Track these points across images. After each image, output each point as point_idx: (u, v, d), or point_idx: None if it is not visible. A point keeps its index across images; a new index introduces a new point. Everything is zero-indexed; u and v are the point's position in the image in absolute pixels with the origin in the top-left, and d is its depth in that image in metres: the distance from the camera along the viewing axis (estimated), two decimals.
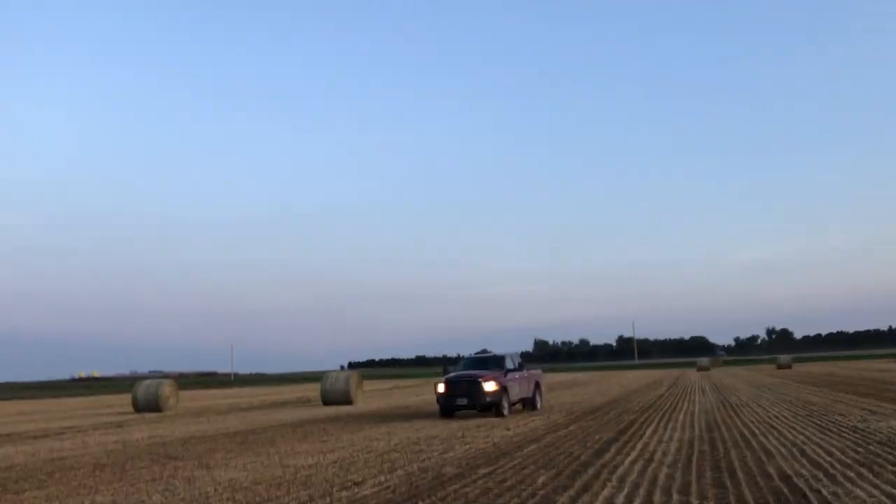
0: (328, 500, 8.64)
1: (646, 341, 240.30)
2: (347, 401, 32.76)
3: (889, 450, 10.95)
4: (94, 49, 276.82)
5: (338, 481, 10.04)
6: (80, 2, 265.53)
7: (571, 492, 8.55)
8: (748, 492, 8.12)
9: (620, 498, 8.06)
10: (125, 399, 46.51)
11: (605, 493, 8.39)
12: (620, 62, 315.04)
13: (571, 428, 17.06)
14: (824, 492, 7.92)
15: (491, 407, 21.25)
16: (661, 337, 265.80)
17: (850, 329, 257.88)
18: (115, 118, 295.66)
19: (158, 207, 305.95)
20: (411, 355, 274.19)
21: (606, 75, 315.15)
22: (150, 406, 33.86)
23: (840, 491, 7.92)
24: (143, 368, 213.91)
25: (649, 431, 15.60)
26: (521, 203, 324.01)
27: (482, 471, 10.57)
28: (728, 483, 8.78)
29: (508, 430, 17.04)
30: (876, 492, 7.81)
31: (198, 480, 10.69)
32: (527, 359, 25.98)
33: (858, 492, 7.84)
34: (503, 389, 21.48)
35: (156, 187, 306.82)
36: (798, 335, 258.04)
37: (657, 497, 8.04)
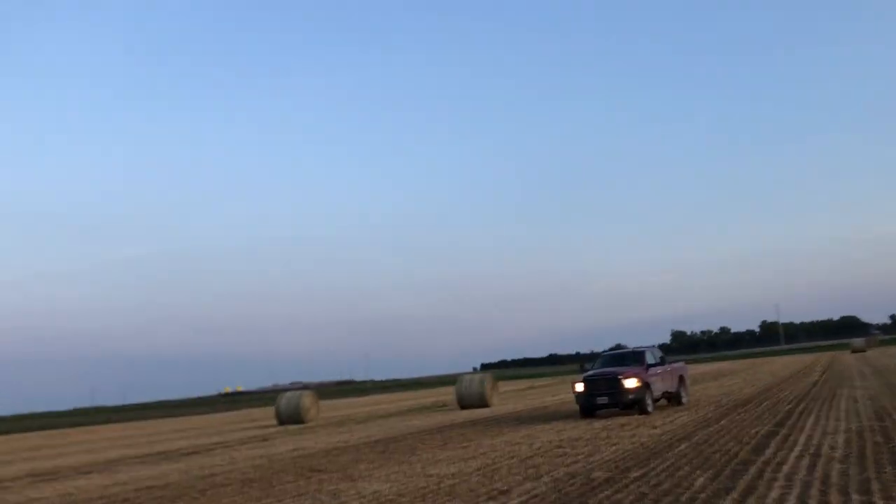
0: None
1: (791, 325, 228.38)
2: (483, 403, 32.57)
3: None
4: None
5: (483, 490, 9.75)
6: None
7: (735, 494, 7.89)
8: None
9: (791, 499, 7.35)
10: (268, 412, 48.25)
11: (774, 494, 7.69)
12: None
13: (723, 422, 16.12)
14: None
15: (634, 404, 20.45)
16: (808, 319, 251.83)
17: None
18: (240, 144, 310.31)
19: (288, 225, 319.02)
20: (543, 354, 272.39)
21: (737, 47, 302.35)
22: (292, 418, 34.84)
23: None
24: (283, 380, 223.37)
25: (810, 422, 14.49)
26: (650, 189, 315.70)
27: (633, 474, 10.01)
28: None
29: (655, 427, 16.29)
30: None
31: (343, 494, 10.66)
32: (665, 351, 24.91)
33: None
34: (646, 385, 20.64)
35: (283, 204, 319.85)
36: None
37: (834, 497, 7.28)
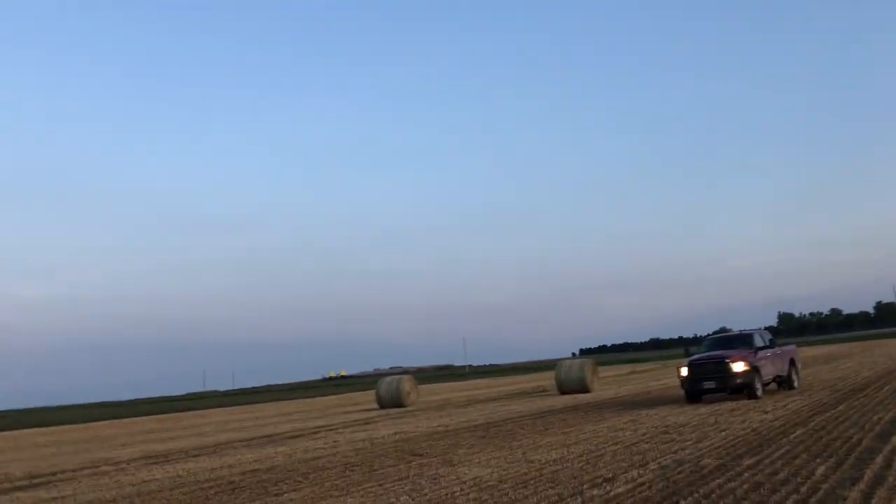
0: (579, 499, 8.08)
1: None
2: (584, 388, 32.08)
3: None
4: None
5: (587, 477, 9.46)
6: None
7: (862, 485, 7.35)
8: None
9: None
10: (370, 396, 49.07)
11: None
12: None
13: (840, 408, 15.24)
14: None
15: (742, 389, 19.64)
16: None
17: None
18: (338, 140, 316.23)
19: (391, 214, 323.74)
20: (644, 339, 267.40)
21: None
22: (392, 402, 35.26)
23: None
24: (384, 365, 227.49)
25: None
26: (756, 168, 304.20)
27: (746, 462, 9.51)
28: None
29: (766, 412, 15.56)
30: None
31: (443, 479, 10.57)
32: (772, 334, 23.80)
33: None
34: (754, 369, 19.78)
35: (379, 196, 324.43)
36: None
37: None
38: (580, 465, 10.66)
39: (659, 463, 10.07)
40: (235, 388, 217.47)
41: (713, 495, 7.56)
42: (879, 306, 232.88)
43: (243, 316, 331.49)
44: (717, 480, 8.34)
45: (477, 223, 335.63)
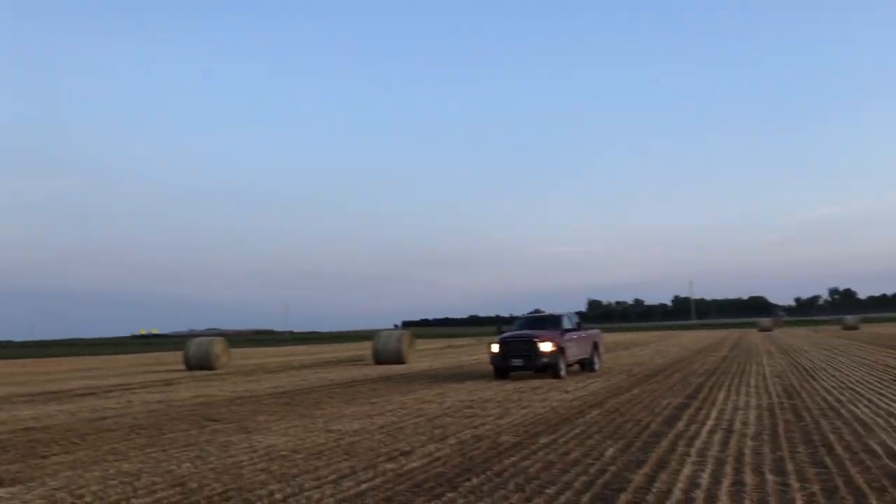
0: (371, 473, 7.76)
1: (703, 301, 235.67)
2: (399, 360, 32.14)
3: None
4: None
5: (384, 450, 9.18)
6: None
7: (647, 468, 7.51)
8: (855, 472, 6.96)
9: (705, 477, 6.98)
10: (179, 356, 46.85)
11: (686, 471, 7.32)
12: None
13: (635, 391, 15.97)
14: None
15: (547, 368, 20.26)
16: (719, 297, 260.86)
17: None
18: (163, 81, 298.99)
19: (213, 170, 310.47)
20: (464, 315, 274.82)
21: (665, 33, 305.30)
22: (201, 364, 33.74)
23: None
24: (201, 326, 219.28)
25: (721, 397, 14.41)
26: (575, 163, 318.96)
27: (542, 440, 9.59)
28: (828, 461, 7.61)
29: (567, 392, 16.05)
30: None
31: (234, 447, 9.93)
32: (581, 319, 24.81)
33: None
34: (560, 350, 20.46)
35: (209, 149, 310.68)
36: (862, 295, 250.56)
37: (748, 477, 6.94)
38: (380, 437, 10.39)
39: (458, 438, 9.98)
40: (33, 339, 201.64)
41: (506, 473, 7.47)
42: (676, 300, 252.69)
43: (42, 261, 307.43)
44: (512, 458, 8.30)
45: (306, 188, 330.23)
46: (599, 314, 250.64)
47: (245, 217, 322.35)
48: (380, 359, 32.49)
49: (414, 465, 8.13)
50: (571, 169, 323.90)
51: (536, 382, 19.02)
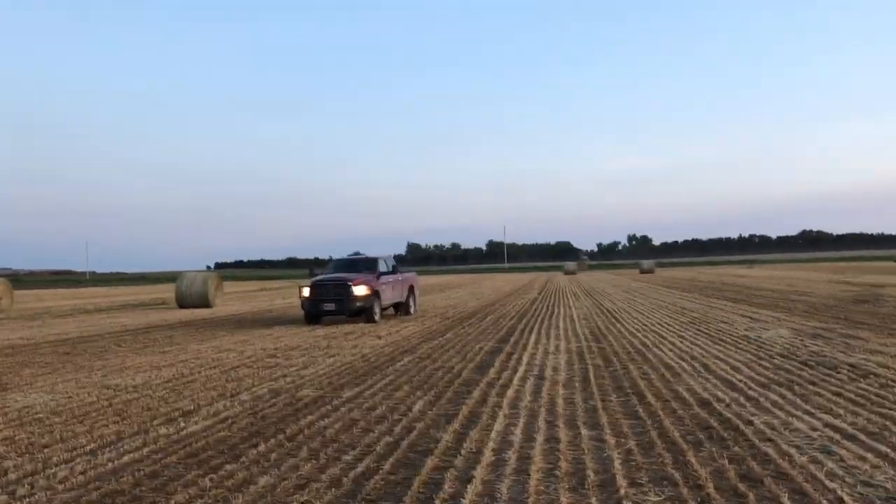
0: (140, 440, 6.60)
1: (514, 245, 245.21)
2: (205, 304, 30.24)
3: (797, 365, 9.95)
4: None
5: (163, 410, 8.00)
6: None
7: (456, 424, 6.88)
8: (670, 424, 6.67)
9: (517, 434, 6.45)
10: None
11: (498, 426, 6.77)
12: None
13: (448, 336, 15.58)
14: (758, 423, 6.59)
15: (361, 312, 19.52)
16: (530, 242, 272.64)
17: (704, 237, 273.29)
18: None
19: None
20: (282, 257, 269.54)
21: None
22: None
23: (775, 422, 6.62)
24: None
25: (532, 340, 14.28)
26: (396, 108, 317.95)
27: (346, 393, 8.78)
28: (641, 411, 7.33)
29: (380, 338, 15.37)
30: (815, 422, 6.56)
31: None
32: (399, 262, 24.26)
33: (796, 423, 6.56)
34: (375, 293, 19.77)
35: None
36: (657, 241, 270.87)
37: (563, 432, 6.47)
38: (163, 393, 9.15)
39: (252, 393, 8.95)
40: None
41: (300, 437, 6.58)
42: (491, 244, 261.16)
43: None
44: (310, 417, 7.42)
45: (108, 113, 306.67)
46: (419, 258, 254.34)
47: (36, 147, 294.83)
48: (183, 303, 30.42)
49: (194, 428, 7.04)
50: (392, 113, 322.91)
51: (349, 327, 18.23)
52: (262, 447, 6.21)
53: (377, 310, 19.87)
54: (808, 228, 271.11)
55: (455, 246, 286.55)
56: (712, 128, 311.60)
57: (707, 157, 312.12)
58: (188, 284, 30.84)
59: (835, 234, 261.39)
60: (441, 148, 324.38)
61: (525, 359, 11.50)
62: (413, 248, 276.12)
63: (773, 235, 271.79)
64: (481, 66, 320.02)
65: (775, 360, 10.40)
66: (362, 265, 21.37)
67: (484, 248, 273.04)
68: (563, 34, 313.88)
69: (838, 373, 9.12)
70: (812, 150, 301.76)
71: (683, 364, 10.45)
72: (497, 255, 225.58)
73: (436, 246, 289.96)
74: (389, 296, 21.21)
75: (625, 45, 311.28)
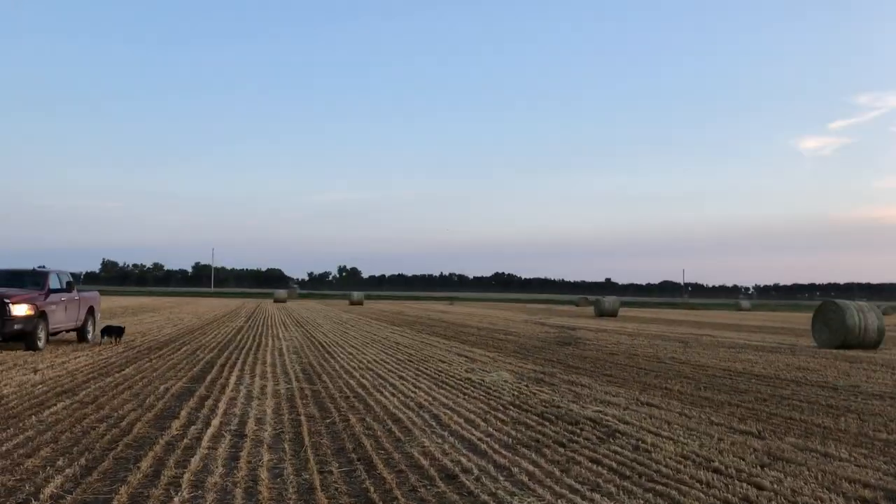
0: None
1: (223, 269, 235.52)
2: None
3: (535, 419, 8.87)
4: None
5: None
6: None
7: None
8: None
9: None
10: None
11: None
12: None
13: (128, 371, 12.76)
14: None
15: (22, 336, 15.81)
16: (239, 266, 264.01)
17: (409, 272, 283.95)
18: None
19: None
20: None
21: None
22: None
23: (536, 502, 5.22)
24: None
25: (233, 379, 12.04)
26: (99, 114, 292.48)
27: None
28: (372, 490, 5.56)
29: (36, 372, 12.14)
30: (580, 500, 5.26)
31: None
32: (91, 280, 20.64)
33: (559, 502, 5.21)
34: (41, 314, 16.17)
35: None
36: (365, 274, 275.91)
37: None
38: None
39: None
40: None
41: None
42: (197, 266, 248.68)
43: None
44: None
45: None
46: (114, 276, 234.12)
47: None
48: None
49: None
50: (97, 123, 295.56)
51: (1, 356, 14.54)
52: None
53: (42, 335, 16.28)
54: (500, 271, 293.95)
55: (157, 266, 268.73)
56: (413, 168, 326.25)
57: (412, 196, 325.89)
58: None
59: (523, 277, 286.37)
60: (147, 159, 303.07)
61: (222, 405, 9.29)
62: (108, 266, 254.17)
63: (471, 275, 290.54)
64: (187, 81, 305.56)
65: (510, 412, 9.27)
66: (27, 279, 17.55)
67: (190, 270, 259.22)
68: (255, 66, 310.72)
69: (582, 430, 8.13)
70: (509, 199, 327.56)
71: (411, 415, 8.93)
72: (204, 279, 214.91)
73: (135, 265, 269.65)
74: (62, 318, 17.62)
75: (332, 78, 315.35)
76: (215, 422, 8.10)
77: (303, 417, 8.60)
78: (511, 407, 9.66)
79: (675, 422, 8.72)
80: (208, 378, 12.13)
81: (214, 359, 15.50)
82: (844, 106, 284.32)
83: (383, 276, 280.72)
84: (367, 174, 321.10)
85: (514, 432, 7.90)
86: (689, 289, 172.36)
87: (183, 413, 8.66)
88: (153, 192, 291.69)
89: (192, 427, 7.80)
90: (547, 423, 8.51)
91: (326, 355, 17.02)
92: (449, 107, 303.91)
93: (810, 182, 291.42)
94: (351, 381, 12.12)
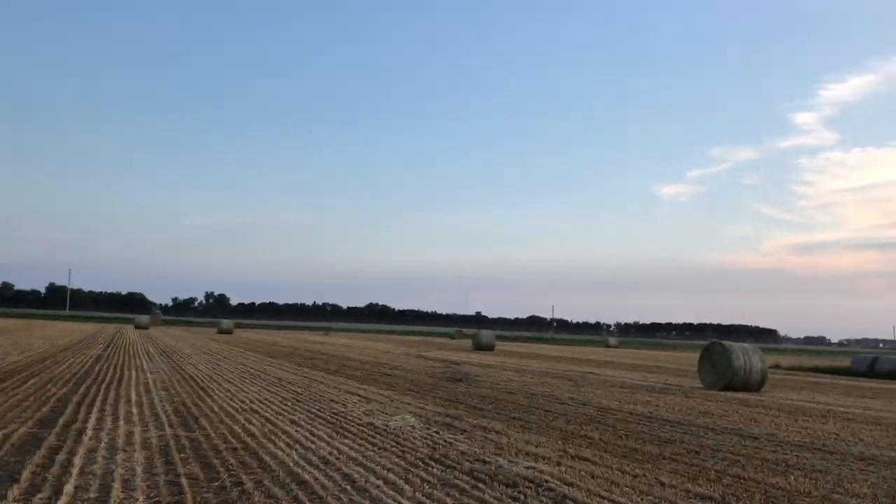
0: None
1: (80, 292, 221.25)
2: None
3: (466, 479, 7.59)
4: None
5: None
6: None
7: None
8: None
9: None
10: None
11: None
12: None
13: None
14: None
15: None
16: (98, 289, 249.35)
17: (280, 301, 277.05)
18: None
19: None
20: None
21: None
22: None
23: None
24: None
25: (92, 422, 10.15)
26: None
27: None
28: None
29: None
30: None
31: None
32: None
33: None
34: None
35: None
36: (234, 301, 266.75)
37: None
38: None
39: None
40: None
41: None
42: (52, 287, 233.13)
43: None
44: None
45: None
46: None
47: None
48: None
49: None
50: None
51: None
52: None
53: None
54: (374, 302, 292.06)
55: (6, 286, 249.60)
56: (284, 194, 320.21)
57: (283, 223, 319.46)
58: None
59: (396, 308, 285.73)
60: None
61: (78, 461, 7.51)
62: None
63: (344, 305, 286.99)
64: (55, 94, 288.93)
65: (433, 469, 7.96)
66: None
67: (43, 291, 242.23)
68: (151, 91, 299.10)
69: (525, 495, 6.92)
70: (384, 230, 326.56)
71: (318, 474, 7.45)
72: (58, 301, 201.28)
73: None
74: None
75: (202, 100, 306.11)
76: (68, 487, 6.35)
77: (183, 479, 6.96)
78: (431, 462, 8.34)
79: (622, 482, 7.67)
80: (61, 421, 10.16)
81: (69, 395, 13.37)
82: (700, 157, 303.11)
83: (253, 303, 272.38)
84: (236, 198, 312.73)
85: (448, 500, 6.60)
86: (555, 324, 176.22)
87: (25, 474, 6.83)
88: (3, 204, 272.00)
89: (39, 496, 6.05)
90: (481, 485, 7.25)
91: (201, 392, 15.14)
92: (325, 135, 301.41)
93: (669, 226, 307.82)
94: (235, 427, 10.45)
